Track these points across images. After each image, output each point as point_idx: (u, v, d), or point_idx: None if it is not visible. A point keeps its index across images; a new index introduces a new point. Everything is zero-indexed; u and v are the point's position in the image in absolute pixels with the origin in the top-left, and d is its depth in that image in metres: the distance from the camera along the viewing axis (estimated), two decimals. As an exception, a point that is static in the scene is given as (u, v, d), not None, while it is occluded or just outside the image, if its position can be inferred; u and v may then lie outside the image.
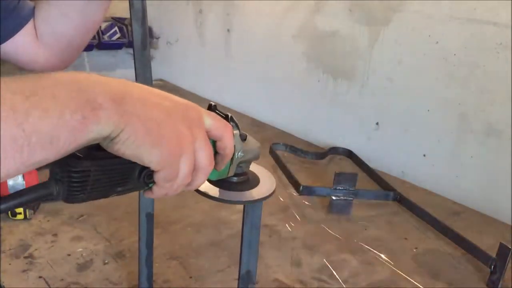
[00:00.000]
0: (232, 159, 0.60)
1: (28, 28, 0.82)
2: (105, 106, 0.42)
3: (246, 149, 0.63)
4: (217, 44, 3.33)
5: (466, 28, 2.00)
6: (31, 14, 0.83)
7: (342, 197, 1.92)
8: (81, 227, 1.72)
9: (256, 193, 0.68)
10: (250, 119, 3.02)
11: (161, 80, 3.72)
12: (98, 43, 3.39)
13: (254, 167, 0.70)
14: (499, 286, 1.49)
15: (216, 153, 0.56)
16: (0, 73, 0.40)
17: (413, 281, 1.53)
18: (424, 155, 2.26)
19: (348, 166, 2.39)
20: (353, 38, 2.45)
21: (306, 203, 1.98)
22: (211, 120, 0.53)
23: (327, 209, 1.93)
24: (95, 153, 0.46)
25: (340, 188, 1.92)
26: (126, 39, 3.50)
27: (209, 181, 0.66)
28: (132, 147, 0.45)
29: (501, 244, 1.49)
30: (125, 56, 3.57)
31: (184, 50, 3.70)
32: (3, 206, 0.44)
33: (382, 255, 1.65)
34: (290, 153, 2.50)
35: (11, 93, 0.37)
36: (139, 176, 0.50)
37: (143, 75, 1.01)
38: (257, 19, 3.01)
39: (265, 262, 1.56)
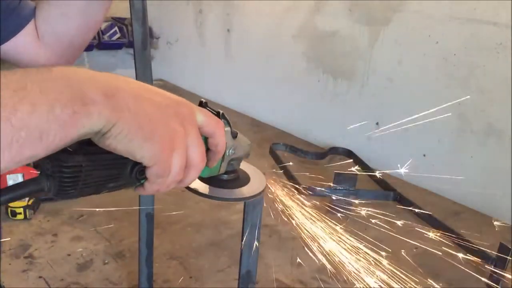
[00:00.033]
0: (223, 156, 0.60)
1: (29, 28, 0.82)
2: (97, 101, 0.41)
3: (237, 146, 0.63)
4: (217, 44, 3.33)
5: (466, 28, 2.00)
6: (32, 14, 0.83)
7: (342, 197, 1.92)
8: (81, 227, 1.72)
9: (250, 190, 0.68)
10: (250, 119, 3.02)
11: (161, 80, 3.72)
12: (98, 43, 3.39)
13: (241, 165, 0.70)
14: (499, 286, 1.49)
15: (207, 150, 0.56)
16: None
17: (413, 281, 1.52)
18: (424, 155, 2.26)
19: (348, 166, 2.39)
20: (353, 38, 2.45)
21: (306, 203, 1.97)
22: (203, 117, 0.53)
23: (327, 209, 1.93)
24: (87, 148, 0.46)
25: (340, 188, 1.92)
26: (126, 39, 3.50)
27: (200, 178, 0.66)
28: (124, 142, 0.44)
29: (501, 244, 1.49)
30: (125, 56, 3.57)
31: (184, 50, 3.70)
32: None
33: (382, 255, 1.65)
34: (290, 153, 2.49)
35: None
36: (131, 172, 0.50)
37: (143, 75, 1.01)
38: (257, 19, 3.01)
39: (265, 262, 1.56)
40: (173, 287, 1.43)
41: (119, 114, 0.43)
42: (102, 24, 3.20)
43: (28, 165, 1.86)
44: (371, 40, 2.37)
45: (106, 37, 3.42)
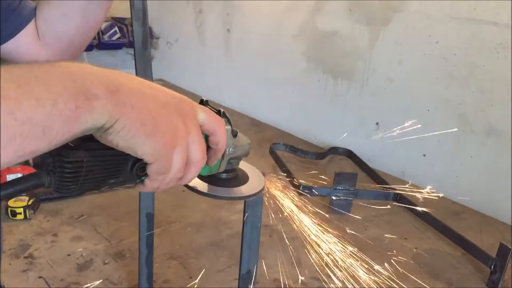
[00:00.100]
0: (223, 154, 0.60)
1: (29, 28, 0.82)
2: (100, 96, 0.41)
3: (236, 145, 0.63)
4: (217, 44, 3.33)
5: (466, 28, 2.00)
6: (33, 14, 0.83)
7: (342, 197, 1.92)
8: (81, 227, 1.72)
9: (249, 189, 0.68)
10: (250, 119, 3.02)
11: (161, 80, 3.72)
12: (98, 43, 3.39)
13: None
14: (499, 286, 1.49)
15: (208, 148, 0.56)
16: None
17: (413, 281, 1.53)
18: (424, 155, 2.26)
19: (348, 166, 2.39)
20: (353, 38, 2.45)
21: (306, 203, 1.97)
22: (204, 115, 0.53)
23: (327, 209, 1.93)
24: (89, 144, 0.46)
25: (340, 188, 1.92)
26: (126, 39, 3.51)
27: (200, 177, 0.66)
28: (126, 138, 0.44)
29: (501, 244, 1.49)
30: (125, 56, 3.58)
31: (184, 50, 3.70)
32: None
33: (382, 255, 1.65)
34: (290, 153, 2.49)
35: (3, 82, 0.36)
36: (131, 168, 0.50)
37: (144, 75, 1.01)
38: (257, 19, 3.01)
39: (265, 262, 1.56)
40: (173, 287, 1.43)
41: (121, 110, 0.43)
42: (102, 24, 3.21)
43: (28, 165, 1.86)
44: (371, 40, 2.37)
45: (106, 37, 3.43)
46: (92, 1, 0.79)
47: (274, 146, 2.42)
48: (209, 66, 3.47)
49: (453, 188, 2.11)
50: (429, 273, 1.57)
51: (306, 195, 2.00)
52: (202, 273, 1.49)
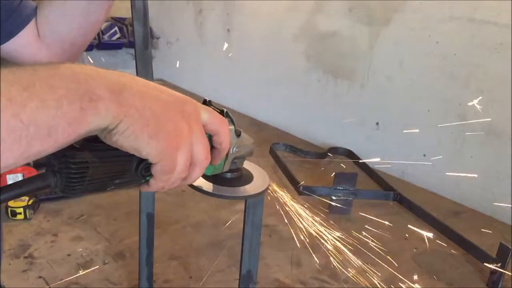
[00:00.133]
0: (227, 154, 0.61)
1: (30, 28, 0.82)
2: (104, 97, 0.42)
3: (240, 144, 0.63)
4: (217, 44, 3.33)
5: (466, 28, 2.00)
6: (33, 14, 0.83)
7: (342, 197, 1.92)
8: (81, 227, 1.72)
9: (253, 188, 0.68)
10: (250, 119, 3.03)
11: (161, 80, 3.72)
12: (98, 43, 3.40)
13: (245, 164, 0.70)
14: (499, 286, 1.49)
15: (211, 147, 0.56)
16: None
17: (413, 281, 1.53)
18: (424, 155, 2.26)
19: (348, 166, 2.39)
20: (353, 38, 2.45)
21: (306, 203, 1.97)
22: (208, 115, 0.53)
23: (327, 209, 1.93)
24: (93, 145, 0.46)
25: (340, 188, 1.92)
26: (126, 39, 3.51)
27: (204, 176, 0.66)
28: (131, 138, 0.44)
29: (501, 244, 1.49)
30: (125, 56, 3.58)
31: (184, 50, 3.70)
32: (1, 197, 0.43)
33: (382, 255, 1.65)
34: (290, 153, 2.50)
35: (8, 84, 0.37)
36: (136, 168, 0.50)
37: (145, 75, 1.01)
38: (257, 19, 3.01)
39: (265, 262, 1.56)
40: (173, 287, 1.43)
41: (125, 110, 0.43)
42: (102, 24, 3.21)
43: (28, 165, 1.86)
44: (371, 40, 2.37)
45: (106, 37, 3.43)
46: (93, 1, 0.79)
47: (274, 146, 2.43)
48: (209, 66, 3.47)
49: (453, 188, 2.11)
50: (429, 273, 1.57)
51: (306, 195, 2.01)
52: (206, 275, 1.50)
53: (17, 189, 0.44)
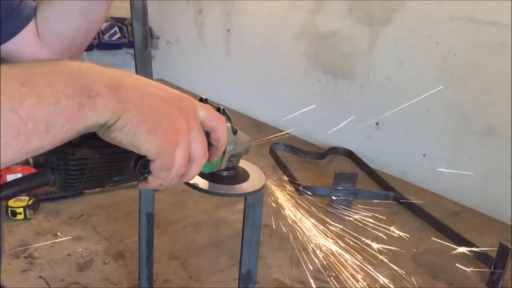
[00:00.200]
0: (224, 151, 0.61)
1: (29, 28, 0.82)
2: (102, 93, 0.42)
3: (237, 142, 0.63)
4: (217, 44, 3.33)
5: (466, 28, 2.00)
6: (33, 14, 0.83)
7: (342, 197, 1.92)
8: (81, 227, 1.72)
9: (250, 185, 0.69)
10: (250, 119, 3.03)
11: (161, 80, 3.72)
12: (98, 43, 3.40)
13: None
14: (499, 286, 1.49)
15: (209, 145, 0.56)
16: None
17: (413, 281, 1.53)
18: (424, 155, 2.26)
19: (348, 166, 2.39)
20: (353, 38, 2.45)
21: (306, 203, 1.97)
22: (205, 112, 0.54)
23: (327, 209, 1.93)
24: (92, 142, 0.46)
25: (340, 188, 1.92)
26: (126, 39, 3.51)
27: (201, 174, 0.66)
28: (129, 135, 0.45)
29: (501, 244, 1.49)
30: (125, 56, 3.58)
31: (184, 50, 3.70)
32: (1, 194, 0.44)
33: (382, 255, 1.65)
34: (290, 153, 2.50)
35: (6, 80, 0.37)
36: (135, 165, 0.50)
37: (144, 75, 1.00)
38: (257, 19, 3.01)
39: (265, 262, 1.56)
40: (173, 287, 1.43)
41: (124, 107, 0.43)
42: (102, 24, 3.21)
43: (28, 165, 1.86)
44: (371, 40, 2.37)
45: (106, 37, 3.43)
46: (93, 1, 0.79)
47: (274, 146, 2.43)
48: (209, 66, 3.47)
49: (453, 188, 2.11)
50: (429, 273, 1.57)
51: (306, 195, 2.01)
52: (206, 275, 1.49)
53: (16, 186, 0.44)
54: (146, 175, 0.52)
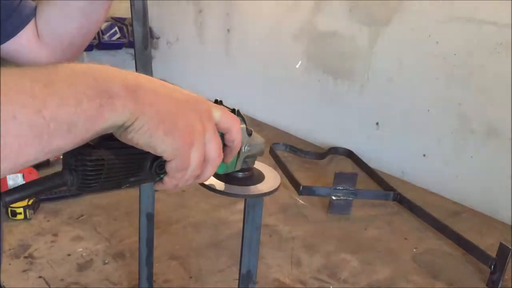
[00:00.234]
0: (239, 153, 0.61)
1: (29, 28, 0.82)
2: (121, 95, 0.43)
3: (251, 143, 0.64)
4: (217, 44, 3.33)
5: (466, 28, 2.00)
6: (33, 14, 0.83)
7: (342, 197, 1.92)
8: (81, 227, 1.72)
9: (267, 186, 0.69)
10: (250, 119, 3.02)
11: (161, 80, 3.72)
12: (98, 43, 3.39)
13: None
14: (499, 286, 1.49)
15: (224, 146, 0.57)
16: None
17: (413, 281, 1.53)
18: (424, 155, 2.26)
19: (348, 166, 2.39)
20: (353, 38, 2.46)
21: (306, 203, 1.98)
22: (220, 113, 0.54)
23: (327, 209, 1.93)
24: (109, 143, 0.47)
25: (340, 188, 1.92)
26: (126, 39, 3.51)
27: (216, 175, 0.67)
28: (146, 136, 0.45)
29: (501, 244, 1.49)
30: (125, 56, 3.57)
31: (184, 50, 3.70)
32: (19, 195, 0.45)
33: (382, 255, 1.65)
34: (290, 153, 2.50)
35: (30, 81, 0.38)
36: (150, 166, 0.51)
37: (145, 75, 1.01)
38: (257, 19, 3.01)
39: (265, 262, 1.56)
40: (173, 287, 1.43)
41: (141, 108, 0.44)
42: (102, 24, 3.21)
43: (28, 165, 1.86)
44: (371, 40, 2.37)
45: (106, 37, 3.42)
46: (93, 1, 0.79)
47: (274, 146, 2.43)
48: (209, 66, 3.47)
49: (453, 188, 2.11)
50: (429, 273, 1.57)
51: (306, 195, 2.01)
52: (206, 275, 1.49)
53: (35, 187, 0.46)
54: (161, 175, 0.53)
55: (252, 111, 3.08)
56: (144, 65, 1.01)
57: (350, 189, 1.93)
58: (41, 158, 0.40)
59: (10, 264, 1.48)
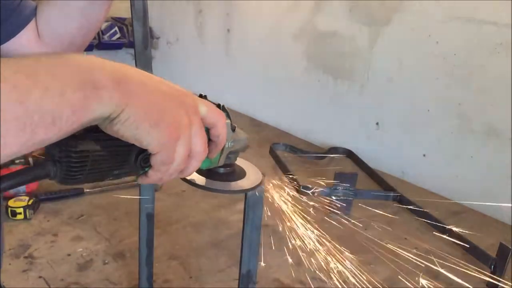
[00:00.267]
0: (223, 148, 0.61)
1: (29, 28, 0.82)
2: (107, 86, 0.42)
3: (235, 139, 0.64)
4: (217, 44, 3.33)
5: (466, 28, 2.00)
6: (33, 14, 0.83)
7: (342, 197, 1.92)
8: (81, 227, 1.72)
9: (248, 182, 0.69)
10: (250, 119, 3.03)
11: (161, 80, 3.72)
12: (98, 43, 3.39)
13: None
14: (499, 286, 1.49)
15: (209, 140, 0.57)
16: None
17: (413, 281, 1.53)
18: (424, 155, 2.26)
19: (348, 166, 2.39)
20: (353, 38, 2.46)
21: (306, 203, 1.97)
22: (206, 108, 0.54)
23: (327, 209, 1.93)
24: (94, 135, 0.46)
25: (340, 188, 1.92)
26: (126, 39, 3.50)
27: (199, 171, 0.67)
28: (132, 128, 0.45)
29: (501, 244, 1.49)
30: (125, 56, 3.57)
31: (184, 50, 3.70)
32: (1, 186, 0.43)
33: (382, 255, 1.65)
34: (290, 153, 2.50)
35: (12, 72, 0.37)
36: (135, 159, 0.51)
37: (144, 75, 1.01)
38: (257, 19, 3.01)
39: (265, 262, 1.56)
40: (173, 287, 1.43)
41: (127, 100, 0.44)
42: (102, 24, 3.21)
43: (28, 165, 1.86)
44: (371, 40, 2.37)
45: (106, 37, 3.42)
46: (94, 1, 0.79)
47: (274, 146, 2.43)
48: (209, 66, 3.47)
49: (453, 188, 2.11)
50: (429, 273, 1.57)
51: (306, 195, 2.01)
52: (206, 275, 1.49)
53: (17, 177, 0.44)
54: (146, 169, 0.52)
55: (252, 111, 3.08)
56: (144, 65, 1.01)
57: (350, 189, 1.93)
58: (25, 151, 0.39)
59: (10, 264, 1.48)
